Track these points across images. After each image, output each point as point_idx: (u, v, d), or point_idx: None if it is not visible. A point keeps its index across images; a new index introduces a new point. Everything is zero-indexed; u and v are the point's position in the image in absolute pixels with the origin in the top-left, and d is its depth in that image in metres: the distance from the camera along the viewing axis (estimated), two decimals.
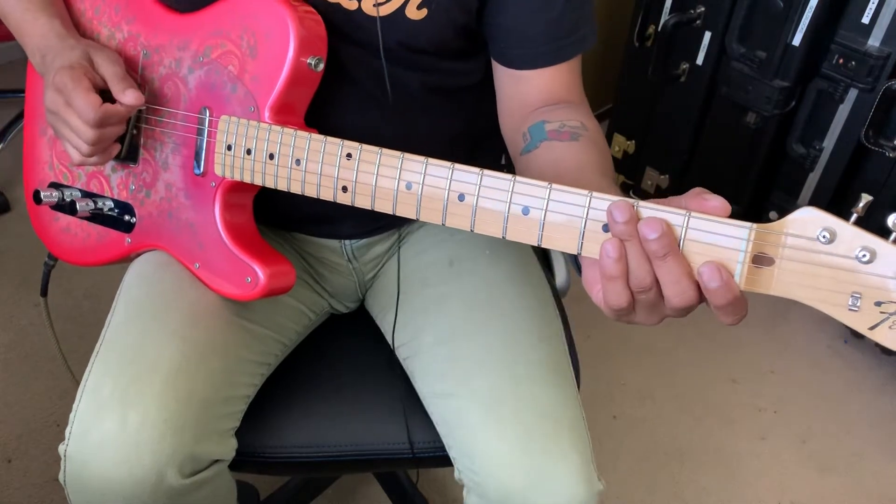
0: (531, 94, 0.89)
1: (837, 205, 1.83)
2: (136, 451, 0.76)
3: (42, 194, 0.94)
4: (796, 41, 1.69)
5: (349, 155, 0.73)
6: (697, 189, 0.61)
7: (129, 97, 0.83)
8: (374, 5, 0.82)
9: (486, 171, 0.67)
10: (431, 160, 0.69)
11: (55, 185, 0.98)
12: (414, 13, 0.83)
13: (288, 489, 1.41)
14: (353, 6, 0.83)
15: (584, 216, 0.63)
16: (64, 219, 1.00)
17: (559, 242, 0.65)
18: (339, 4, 0.83)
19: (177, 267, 0.90)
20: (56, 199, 0.95)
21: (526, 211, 0.65)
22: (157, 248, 0.92)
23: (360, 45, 0.85)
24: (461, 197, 0.68)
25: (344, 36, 0.84)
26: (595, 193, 0.62)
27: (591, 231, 0.63)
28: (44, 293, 1.13)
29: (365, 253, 1.04)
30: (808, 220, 0.56)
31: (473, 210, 0.68)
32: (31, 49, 0.91)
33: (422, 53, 0.86)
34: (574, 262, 0.72)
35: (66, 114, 0.82)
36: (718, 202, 0.59)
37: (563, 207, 0.64)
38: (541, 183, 0.64)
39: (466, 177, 0.67)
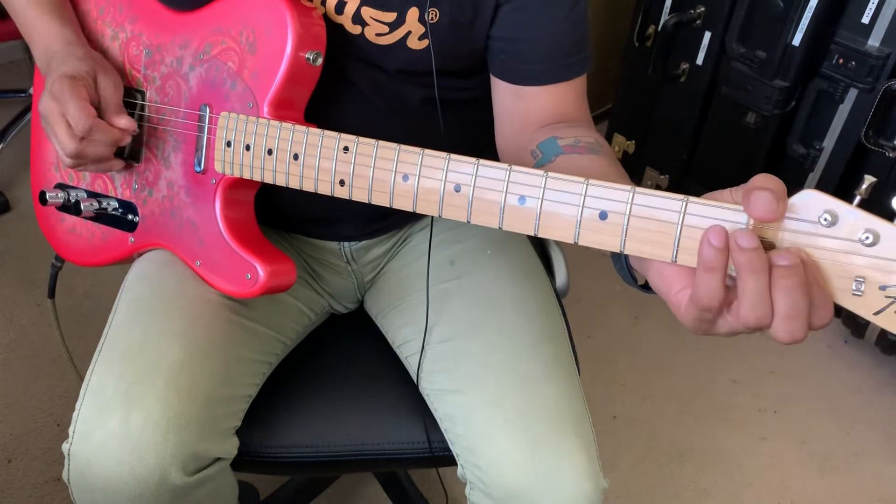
0: (535, 111, 0.88)
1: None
2: (139, 449, 0.76)
3: (48, 195, 0.94)
4: (796, 41, 1.70)
5: (346, 148, 0.73)
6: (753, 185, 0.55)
7: (123, 121, 0.85)
8: (376, 34, 0.84)
9: (483, 161, 0.66)
10: (427, 151, 0.69)
11: (61, 186, 0.99)
12: (415, 44, 0.84)
13: (288, 489, 1.41)
14: (356, 31, 0.84)
15: (581, 204, 0.62)
16: (70, 219, 1.00)
17: (556, 232, 0.64)
18: (342, 26, 0.83)
19: (178, 266, 0.90)
20: (62, 200, 0.95)
21: (522, 201, 0.65)
22: (160, 246, 0.92)
23: (363, 60, 0.86)
24: (457, 188, 0.67)
25: (347, 51, 0.85)
26: (591, 181, 0.62)
27: (588, 219, 0.62)
28: (51, 295, 1.14)
29: (364, 255, 1.04)
30: (808, 203, 0.54)
31: (469, 201, 0.67)
32: (39, 51, 0.91)
33: (424, 74, 0.87)
34: (629, 276, 0.70)
35: (55, 122, 0.82)
36: (764, 196, 0.53)
37: (559, 196, 0.63)
38: (537, 172, 0.64)
39: (462, 167, 0.67)
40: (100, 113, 0.85)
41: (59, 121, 0.82)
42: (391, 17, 0.83)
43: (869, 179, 0.56)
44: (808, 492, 1.56)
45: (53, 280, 1.11)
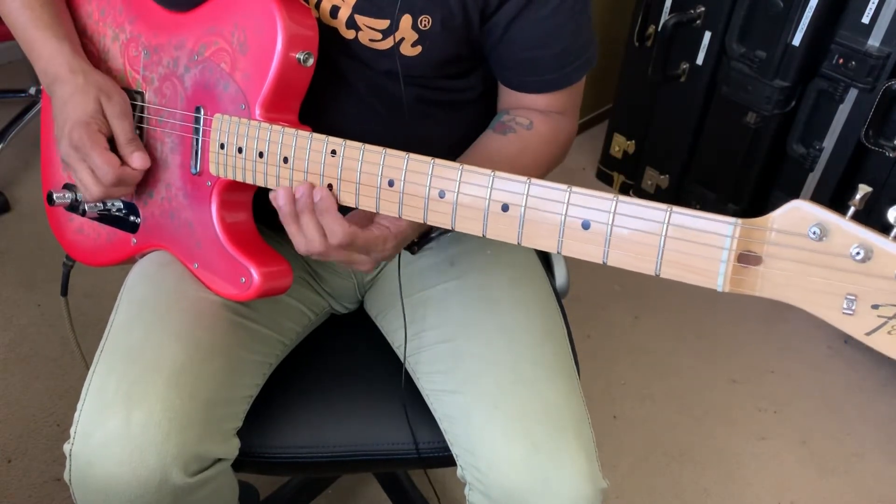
0: (523, 103, 0.92)
1: (838, 205, 1.83)
2: (140, 450, 0.76)
3: (55, 195, 0.94)
4: (796, 41, 1.69)
5: (333, 152, 0.73)
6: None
7: (136, 161, 0.86)
8: (369, 40, 0.84)
9: (466, 167, 0.66)
10: (412, 155, 0.68)
11: (68, 187, 0.99)
12: (408, 50, 0.85)
13: (288, 489, 1.41)
14: (350, 35, 0.84)
15: (564, 213, 0.61)
16: (77, 220, 1.01)
17: (539, 241, 0.63)
18: (336, 30, 0.84)
19: (179, 266, 0.90)
20: (69, 201, 0.95)
21: (505, 208, 0.64)
22: (160, 248, 0.93)
23: (358, 61, 0.86)
24: (441, 194, 0.67)
25: (342, 52, 0.85)
26: (574, 189, 0.61)
27: (571, 228, 0.61)
28: (64, 293, 1.15)
29: None
30: (798, 215, 0.51)
31: (454, 207, 0.67)
32: (40, 69, 0.92)
33: (418, 77, 0.88)
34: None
35: (80, 169, 0.85)
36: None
37: (541, 204, 0.62)
38: (519, 178, 0.63)
39: (447, 172, 0.67)
40: (113, 147, 0.86)
41: (84, 169, 0.85)
42: (384, 24, 0.83)
43: (864, 189, 0.52)
44: (808, 492, 1.56)
45: (66, 278, 1.12)
